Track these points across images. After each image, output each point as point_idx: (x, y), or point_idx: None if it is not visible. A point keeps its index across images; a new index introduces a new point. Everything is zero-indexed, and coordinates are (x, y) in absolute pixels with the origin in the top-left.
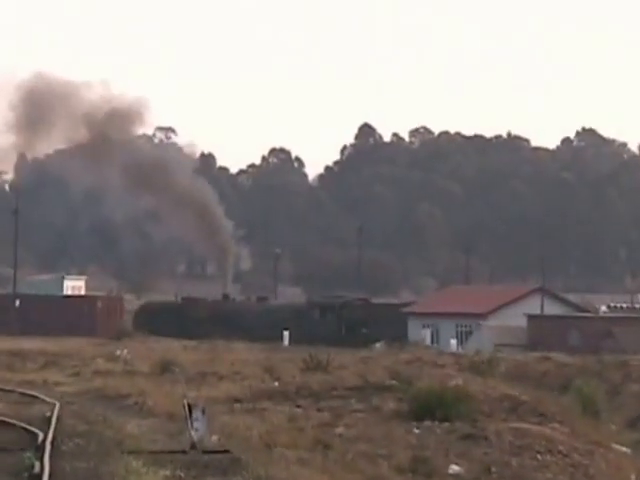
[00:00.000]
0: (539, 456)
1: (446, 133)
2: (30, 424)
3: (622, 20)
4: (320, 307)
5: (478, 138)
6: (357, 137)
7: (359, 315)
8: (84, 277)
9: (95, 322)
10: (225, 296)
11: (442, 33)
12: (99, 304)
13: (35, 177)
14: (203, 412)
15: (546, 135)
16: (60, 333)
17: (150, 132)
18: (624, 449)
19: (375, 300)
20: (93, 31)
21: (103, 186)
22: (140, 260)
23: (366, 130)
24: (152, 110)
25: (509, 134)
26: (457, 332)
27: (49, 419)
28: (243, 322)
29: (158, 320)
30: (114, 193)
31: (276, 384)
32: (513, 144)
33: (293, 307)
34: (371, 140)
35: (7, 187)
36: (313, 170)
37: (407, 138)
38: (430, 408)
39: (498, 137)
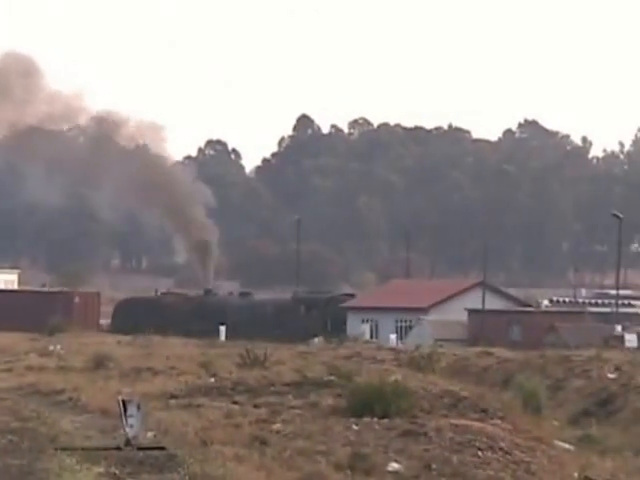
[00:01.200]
0: (480, 453)
1: (386, 124)
2: None
3: (563, 11)
4: (305, 303)
5: (418, 130)
6: (295, 128)
7: (345, 310)
8: (17, 271)
9: (71, 318)
10: (207, 291)
11: (380, 23)
12: (76, 299)
13: None
14: (138, 408)
15: (488, 127)
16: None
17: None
18: (566, 445)
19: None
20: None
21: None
22: (72, 253)
23: (304, 121)
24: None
25: (450, 126)
26: (397, 327)
27: None
28: (226, 318)
29: (137, 316)
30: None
31: (212, 380)
32: (454, 136)
33: (277, 302)
34: (309, 131)
35: None
36: (250, 162)
37: (346, 129)
38: (369, 404)
39: (439, 129)
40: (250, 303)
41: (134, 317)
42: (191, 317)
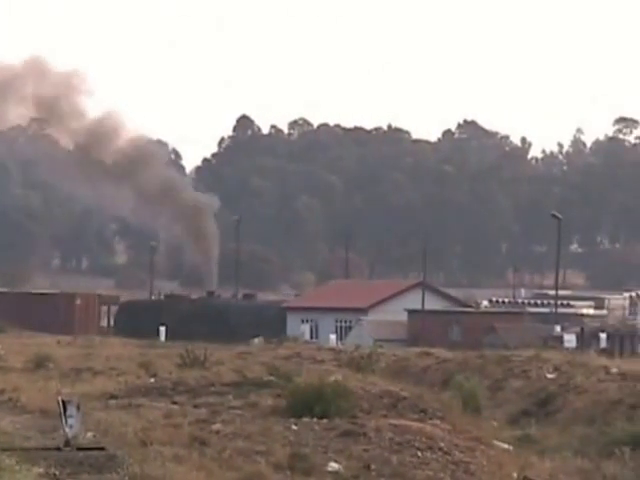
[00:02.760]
0: (419, 453)
1: (325, 125)
2: None
3: (499, 11)
4: None
5: (358, 130)
6: (235, 129)
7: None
8: None
9: (73, 319)
10: (210, 293)
11: (320, 24)
12: (78, 301)
13: None
14: (78, 408)
15: (427, 127)
16: (34, 330)
17: (24, 123)
18: (505, 446)
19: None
20: None
21: None
22: (11, 252)
23: (244, 122)
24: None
25: (389, 126)
26: (337, 327)
27: None
28: (229, 320)
29: (140, 318)
30: None
31: (152, 380)
32: (393, 136)
33: (281, 304)
34: (249, 132)
35: None
36: (191, 163)
37: (286, 130)
38: (309, 404)
39: (378, 129)
40: (254, 305)
41: (137, 319)
42: (194, 319)
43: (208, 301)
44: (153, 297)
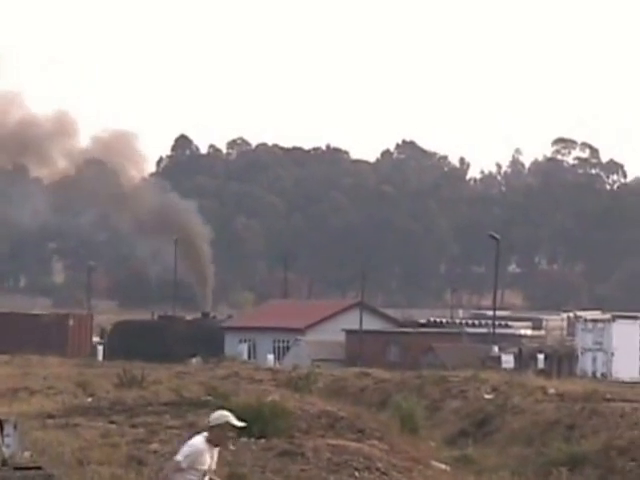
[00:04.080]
0: (357, 473)
1: (264, 145)
2: None
3: (438, 34)
4: None
5: (297, 150)
6: (173, 149)
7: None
8: None
9: (66, 340)
10: (205, 314)
11: (254, 43)
12: (71, 322)
13: None
14: (15, 427)
15: (366, 147)
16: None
17: None
18: (443, 466)
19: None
20: None
21: None
22: None
23: (183, 142)
24: None
25: (328, 146)
26: (275, 347)
27: None
28: (223, 341)
29: (134, 340)
30: None
31: (90, 399)
32: (332, 156)
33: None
34: (188, 152)
35: None
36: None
37: (224, 150)
38: (247, 424)
39: (317, 149)
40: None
41: (130, 340)
42: (189, 340)
43: (203, 322)
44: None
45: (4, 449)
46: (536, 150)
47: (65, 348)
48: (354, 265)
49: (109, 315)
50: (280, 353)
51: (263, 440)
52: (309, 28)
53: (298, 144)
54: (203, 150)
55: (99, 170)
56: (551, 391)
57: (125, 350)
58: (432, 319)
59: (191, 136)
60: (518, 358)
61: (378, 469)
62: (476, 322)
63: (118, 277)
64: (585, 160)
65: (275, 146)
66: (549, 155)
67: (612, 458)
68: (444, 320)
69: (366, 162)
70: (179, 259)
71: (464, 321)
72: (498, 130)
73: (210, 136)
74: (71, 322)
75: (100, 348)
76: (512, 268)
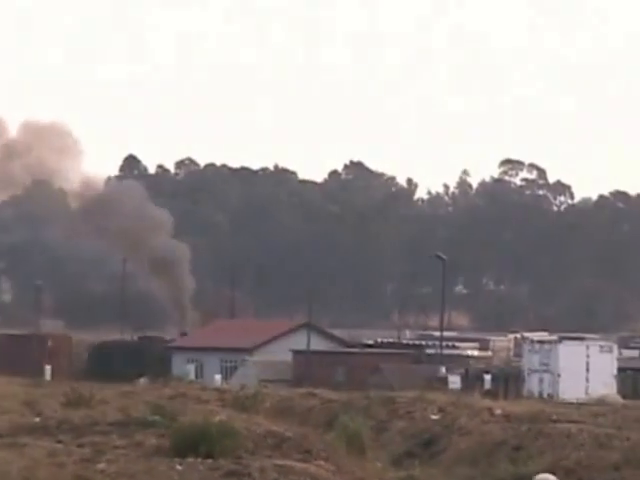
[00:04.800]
0: None
1: (212, 165)
2: None
3: (382, 51)
4: None
5: (244, 170)
6: (121, 169)
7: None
8: None
9: (44, 361)
10: (183, 334)
11: (204, 63)
12: (50, 343)
13: None
14: None
15: (313, 168)
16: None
17: None
18: None
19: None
20: None
21: None
22: None
23: (131, 162)
24: None
25: (276, 166)
26: (222, 367)
27: None
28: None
29: (114, 360)
30: None
31: (37, 419)
32: (280, 177)
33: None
34: (135, 172)
35: None
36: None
37: (172, 170)
38: (193, 444)
39: (264, 169)
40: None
41: (110, 361)
42: (169, 361)
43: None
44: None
45: None
46: (484, 171)
47: (42, 370)
48: (301, 285)
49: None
50: (227, 373)
51: (210, 460)
52: (257, 46)
53: (246, 164)
54: (151, 170)
55: (46, 189)
56: (498, 412)
57: (104, 370)
58: (379, 339)
59: (139, 156)
60: (465, 379)
61: None
62: (423, 342)
63: (64, 295)
64: (532, 181)
65: (223, 166)
66: (496, 176)
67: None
68: (391, 340)
69: (313, 182)
70: (154, 278)
71: (411, 341)
72: (446, 151)
73: (158, 156)
74: (49, 343)
75: (48, 368)
76: (459, 289)
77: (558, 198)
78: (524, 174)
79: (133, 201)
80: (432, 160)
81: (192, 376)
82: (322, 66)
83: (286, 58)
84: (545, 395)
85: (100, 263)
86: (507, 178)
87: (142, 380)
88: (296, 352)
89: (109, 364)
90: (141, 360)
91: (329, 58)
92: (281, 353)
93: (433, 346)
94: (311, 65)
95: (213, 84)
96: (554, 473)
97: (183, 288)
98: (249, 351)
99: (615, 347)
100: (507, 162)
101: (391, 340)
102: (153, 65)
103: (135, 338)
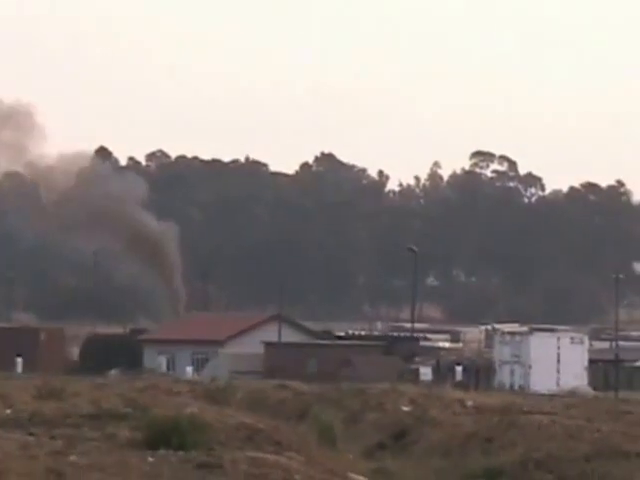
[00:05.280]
0: None
1: (183, 157)
2: None
3: (351, 46)
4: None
5: (216, 162)
6: (92, 160)
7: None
8: None
9: (36, 355)
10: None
11: (173, 56)
12: (42, 336)
13: None
14: None
15: (285, 160)
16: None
17: None
18: (361, 478)
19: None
20: None
21: None
22: None
23: (102, 153)
24: None
25: (247, 158)
26: (193, 359)
27: None
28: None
29: (106, 353)
30: None
31: (8, 411)
32: (251, 169)
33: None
34: (107, 164)
35: None
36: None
37: (144, 162)
38: (165, 436)
39: (236, 161)
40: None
41: (103, 354)
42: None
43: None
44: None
45: None
46: (455, 163)
47: (36, 363)
48: (273, 278)
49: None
50: (199, 365)
51: (182, 452)
52: (228, 37)
53: (218, 156)
54: (122, 162)
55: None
56: (469, 403)
57: (98, 364)
58: (350, 331)
59: (110, 148)
60: (436, 371)
61: None
62: (394, 335)
63: (37, 288)
64: (503, 173)
65: (195, 158)
66: (467, 168)
67: (529, 470)
68: (363, 332)
69: (285, 175)
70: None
71: (383, 334)
72: (417, 143)
73: (129, 148)
74: (42, 336)
75: (19, 360)
76: (430, 281)
77: (529, 190)
78: (495, 166)
79: (105, 188)
80: (403, 152)
81: (164, 368)
82: (292, 57)
83: (256, 50)
84: (516, 387)
85: (69, 255)
86: (478, 170)
87: (113, 372)
88: (267, 344)
89: (100, 356)
90: (132, 352)
91: (299, 49)
92: (253, 345)
93: (405, 338)
94: (281, 56)
95: (183, 75)
96: (525, 464)
97: (173, 270)
98: (220, 343)
99: (586, 339)
100: (478, 154)
101: (362, 332)
102: (121, 54)
103: (127, 330)
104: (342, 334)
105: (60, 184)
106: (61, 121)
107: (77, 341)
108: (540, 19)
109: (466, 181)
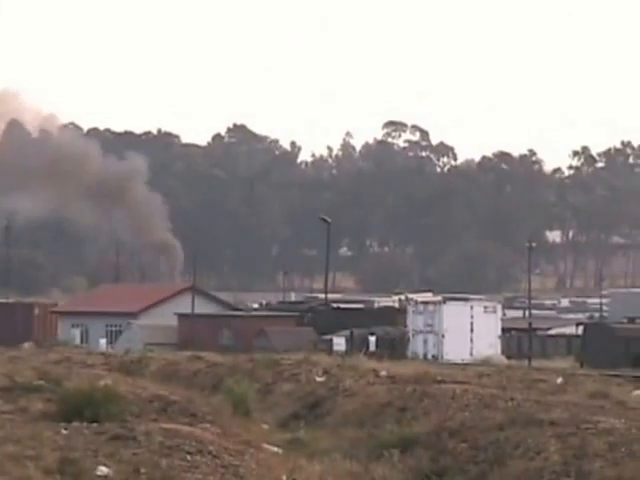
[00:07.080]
0: (189, 457)
1: (95, 129)
2: None
3: (264, 19)
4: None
5: (128, 134)
6: (5, 133)
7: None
8: None
9: (31, 329)
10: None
11: (89, 31)
12: (36, 311)
13: None
14: None
15: (197, 131)
16: None
17: None
18: (275, 449)
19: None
20: None
21: None
22: None
23: (15, 125)
24: None
25: (159, 130)
26: (107, 331)
27: None
28: None
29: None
30: None
31: None
32: (163, 140)
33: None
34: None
35: None
36: None
37: (55, 133)
38: (79, 409)
39: (148, 133)
40: None
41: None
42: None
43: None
44: None
45: None
46: (367, 133)
47: (30, 338)
48: (186, 249)
49: None
50: (113, 337)
51: (95, 424)
52: (143, 14)
53: (129, 128)
54: (35, 134)
55: None
56: (382, 373)
57: None
58: (264, 302)
59: (22, 120)
60: (350, 341)
61: (210, 452)
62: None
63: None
64: (415, 143)
65: (107, 130)
66: (380, 138)
67: (443, 440)
68: (276, 303)
69: (197, 146)
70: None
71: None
72: (329, 113)
73: (41, 121)
74: (36, 311)
75: None
76: (343, 251)
77: (441, 159)
78: (407, 136)
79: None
80: (316, 123)
81: (77, 341)
82: (202, 27)
83: (166, 20)
84: (430, 356)
85: None
86: (390, 140)
87: (27, 345)
88: (181, 315)
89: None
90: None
91: (212, 16)
92: (166, 317)
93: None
94: (190, 27)
95: (97, 48)
96: (439, 434)
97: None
98: (134, 315)
99: (499, 308)
100: (390, 124)
101: (275, 302)
102: (37, 28)
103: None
104: (256, 305)
105: None
106: None
107: None
108: None
109: (379, 151)
